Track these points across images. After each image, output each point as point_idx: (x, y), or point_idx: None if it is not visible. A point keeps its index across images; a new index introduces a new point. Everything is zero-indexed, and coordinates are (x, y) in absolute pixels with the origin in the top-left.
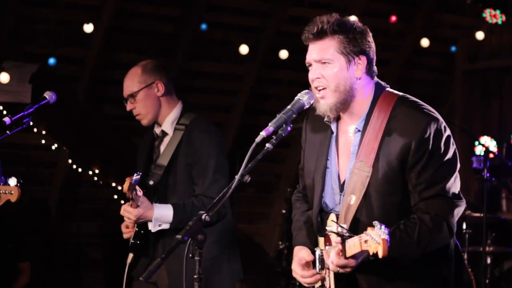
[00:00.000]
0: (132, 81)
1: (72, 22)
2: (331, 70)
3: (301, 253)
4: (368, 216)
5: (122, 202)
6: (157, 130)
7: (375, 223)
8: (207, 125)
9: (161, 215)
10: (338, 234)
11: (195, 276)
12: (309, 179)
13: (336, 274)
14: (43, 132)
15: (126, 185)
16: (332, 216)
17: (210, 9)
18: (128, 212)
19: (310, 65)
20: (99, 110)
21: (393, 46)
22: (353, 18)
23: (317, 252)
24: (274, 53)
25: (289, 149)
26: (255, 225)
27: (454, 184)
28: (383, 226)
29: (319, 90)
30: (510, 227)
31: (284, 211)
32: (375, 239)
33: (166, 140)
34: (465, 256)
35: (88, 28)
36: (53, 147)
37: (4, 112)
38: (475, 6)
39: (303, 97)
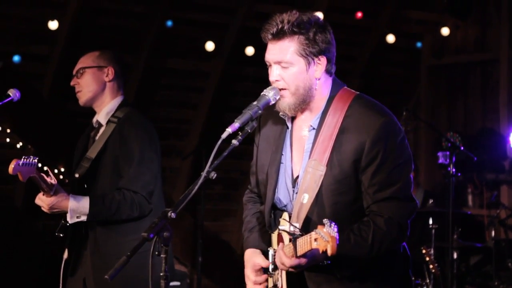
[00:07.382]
0: (87, 59)
1: (36, 19)
2: (291, 72)
3: (256, 259)
4: (320, 215)
5: None
6: (94, 119)
7: (325, 221)
8: (138, 118)
9: (77, 207)
10: (289, 233)
11: (161, 274)
12: (263, 174)
13: (288, 274)
14: (8, 130)
15: (10, 167)
16: (285, 215)
17: (176, 6)
18: (41, 200)
19: (270, 65)
20: (64, 108)
21: (359, 42)
22: (316, 15)
23: (271, 252)
24: (240, 50)
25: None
26: (222, 222)
27: (407, 186)
28: (332, 224)
29: (280, 90)
30: (476, 222)
31: None
32: (324, 237)
33: (100, 132)
34: (432, 251)
35: (53, 25)
36: (18, 146)
37: None
38: (440, 1)
39: (268, 93)
